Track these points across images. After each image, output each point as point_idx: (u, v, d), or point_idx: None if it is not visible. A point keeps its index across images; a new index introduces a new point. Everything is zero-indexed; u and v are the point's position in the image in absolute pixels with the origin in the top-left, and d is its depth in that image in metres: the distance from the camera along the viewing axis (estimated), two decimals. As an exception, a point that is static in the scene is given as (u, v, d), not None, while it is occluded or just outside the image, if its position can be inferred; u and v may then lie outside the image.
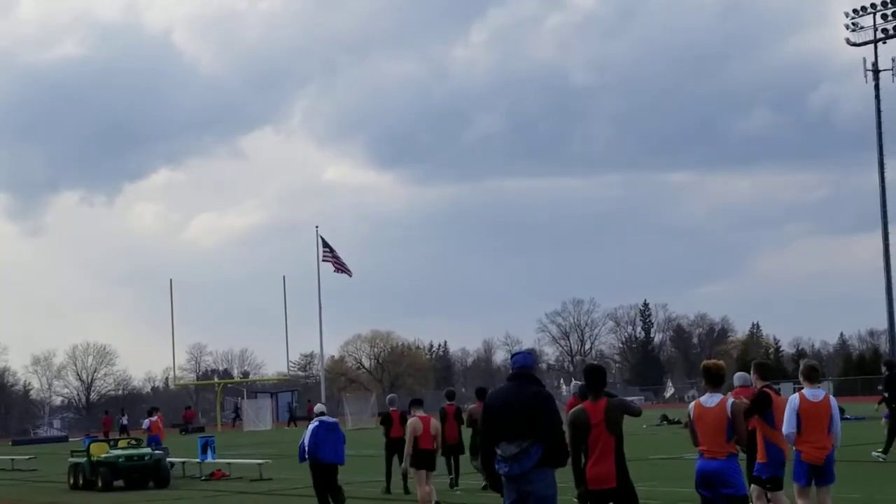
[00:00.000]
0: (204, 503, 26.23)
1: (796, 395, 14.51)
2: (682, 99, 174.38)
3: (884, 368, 29.77)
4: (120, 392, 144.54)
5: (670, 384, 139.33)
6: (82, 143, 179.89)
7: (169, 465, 33.44)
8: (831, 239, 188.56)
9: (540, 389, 11.71)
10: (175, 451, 37.98)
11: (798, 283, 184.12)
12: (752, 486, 15.12)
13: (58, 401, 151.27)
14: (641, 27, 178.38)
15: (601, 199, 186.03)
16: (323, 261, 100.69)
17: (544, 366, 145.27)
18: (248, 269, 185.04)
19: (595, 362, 16.88)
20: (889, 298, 77.78)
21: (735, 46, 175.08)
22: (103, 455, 32.22)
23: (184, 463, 35.92)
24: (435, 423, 21.25)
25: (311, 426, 22.13)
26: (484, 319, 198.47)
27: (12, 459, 47.27)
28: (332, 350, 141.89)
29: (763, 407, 14.88)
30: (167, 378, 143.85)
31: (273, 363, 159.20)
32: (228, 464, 34.65)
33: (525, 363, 11.90)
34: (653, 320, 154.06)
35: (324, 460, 21.76)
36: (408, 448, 20.93)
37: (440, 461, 26.54)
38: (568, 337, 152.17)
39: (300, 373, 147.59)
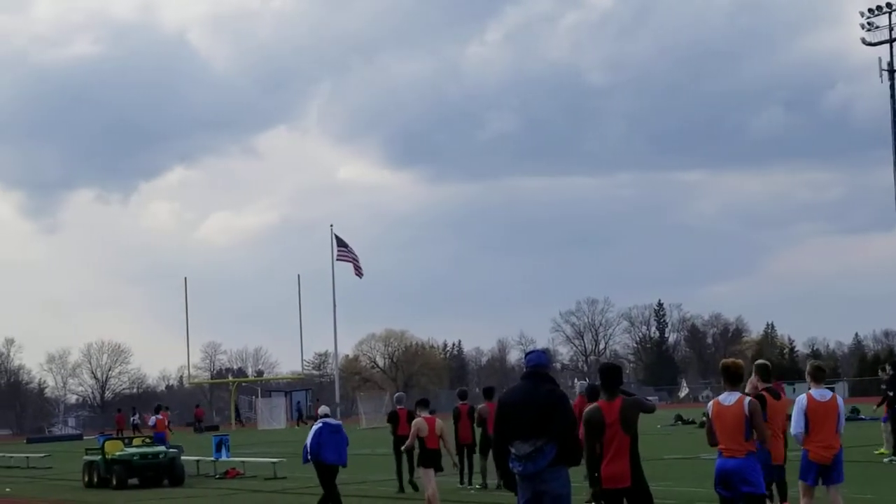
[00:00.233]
0: (218, 501, 26.27)
1: (804, 395, 14.55)
2: (695, 98, 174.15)
3: (889, 368, 29.52)
4: (134, 390, 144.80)
5: (685, 384, 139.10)
6: (97, 141, 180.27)
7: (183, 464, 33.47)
8: (846, 238, 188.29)
9: (554, 388, 11.71)
10: (189, 450, 38.04)
11: (813, 283, 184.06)
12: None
13: (72, 399, 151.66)
14: (655, 26, 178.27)
15: (615, 198, 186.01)
16: (337, 259, 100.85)
17: (558, 365, 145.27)
18: (262, 268, 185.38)
19: (610, 361, 16.91)
20: (904, 298, 77.57)
21: (748, 45, 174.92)
22: (118, 453, 32.27)
23: (198, 461, 35.97)
24: (440, 423, 21.28)
25: (314, 427, 22.26)
26: (498, 319, 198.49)
27: (27, 457, 47.38)
28: (347, 349, 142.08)
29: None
30: (182, 376, 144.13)
31: (287, 362, 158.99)
32: (243, 462, 34.69)
33: (539, 362, 11.90)
34: (667, 320, 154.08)
35: (326, 461, 21.84)
36: (408, 443, 21.04)
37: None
38: (582, 336, 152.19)
39: (314, 372, 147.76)
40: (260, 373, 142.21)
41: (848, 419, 48.80)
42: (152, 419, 45.72)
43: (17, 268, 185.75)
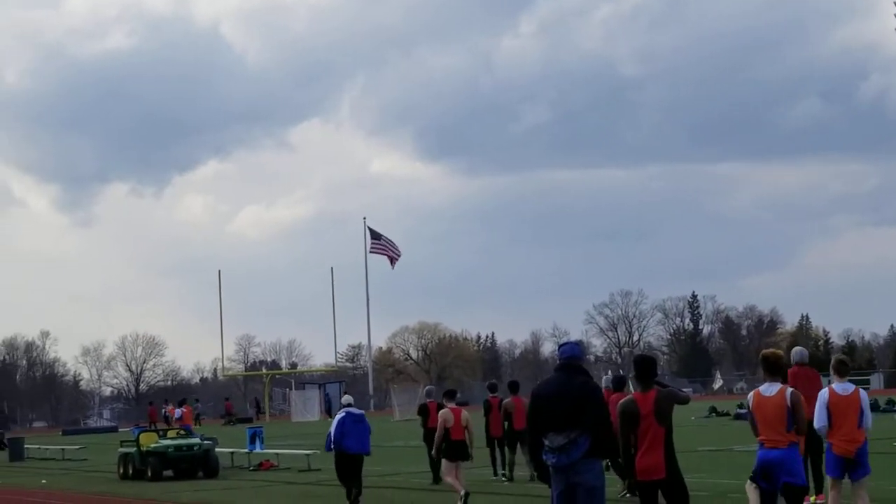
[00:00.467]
0: (253, 493, 26.32)
1: (825, 389, 14.50)
2: (729, 89, 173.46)
3: None
4: (169, 383, 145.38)
5: (719, 376, 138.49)
6: (131, 134, 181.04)
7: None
8: (881, 230, 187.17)
9: (587, 380, 11.69)
10: (224, 442, 38.14)
11: (848, 275, 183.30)
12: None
13: (107, 391, 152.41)
14: (689, 17, 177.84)
15: (648, 190, 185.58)
16: (371, 252, 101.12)
17: (592, 357, 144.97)
18: (295, 261, 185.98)
19: (645, 353, 16.90)
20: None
21: (783, 36, 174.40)
22: (153, 445, 32.37)
23: (232, 453, 36.06)
24: (465, 414, 21.31)
25: (337, 417, 22.65)
26: (531, 311, 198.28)
27: (63, 449, 47.64)
28: (380, 341, 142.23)
29: None
30: (216, 369, 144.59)
31: (321, 354, 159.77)
32: (276, 454, 34.75)
33: (572, 354, 11.86)
34: (701, 312, 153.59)
35: (349, 450, 22.20)
36: (438, 438, 21.05)
37: (485, 453, 26.69)
38: (616, 328, 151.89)
39: (348, 364, 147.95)
40: (294, 365, 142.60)
41: (883, 411, 48.56)
42: (177, 412, 46.02)
43: (52, 261, 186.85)
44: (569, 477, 11.34)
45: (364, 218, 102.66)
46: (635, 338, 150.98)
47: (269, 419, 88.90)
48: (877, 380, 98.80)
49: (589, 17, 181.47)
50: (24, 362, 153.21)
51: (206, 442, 33.02)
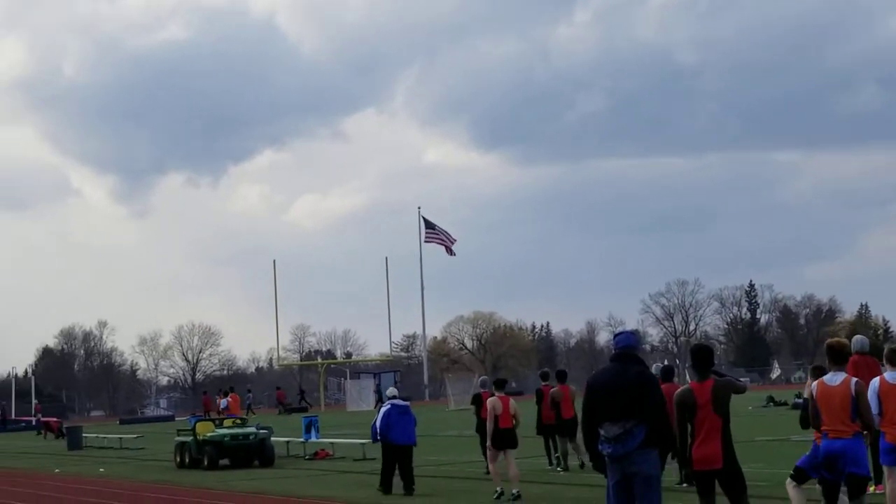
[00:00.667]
0: (308, 482, 26.36)
1: (877, 378, 14.33)
2: (787, 76, 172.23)
3: None
4: (225, 372, 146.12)
5: (777, 365, 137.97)
6: (188, 125, 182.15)
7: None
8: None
9: (643, 370, 11.62)
10: (279, 431, 38.25)
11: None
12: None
13: (164, 381, 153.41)
14: (745, 3, 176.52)
15: (705, 178, 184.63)
16: (425, 241, 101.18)
17: (648, 347, 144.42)
18: (350, 251, 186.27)
19: (702, 342, 16.73)
20: None
21: (843, 21, 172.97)
22: (209, 434, 32.49)
23: (288, 442, 36.15)
24: (514, 403, 21.35)
25: (382, 409, 23.29)
26: (587, 300, 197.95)
27: (120, 438, 47.97)
28: (435, 331, 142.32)
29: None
30: (271, 358, 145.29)
31: (376, 344, 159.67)
32: (332, 443, 34.80)
33: (628, 343, 11.79)
34: (758, 301, 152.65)
35: (395, 441, 22.77)
36: (489, 427, 21.08)
37: (534, 442, 26.70)
38: (672, 318, 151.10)
39: (402, 354, 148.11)
40: (348, 355, 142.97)
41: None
42: (223, 402, 46.19)
43: (109, 251, 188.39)
44: (625, 467, 11.29)
45: (419, 208, 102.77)
46: (692, 327, 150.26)
47: (324, 408, 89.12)
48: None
49: (644, 5, 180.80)
50: (82, 352, 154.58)
51: (261, 431, 33.09)
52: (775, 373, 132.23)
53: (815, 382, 12.70)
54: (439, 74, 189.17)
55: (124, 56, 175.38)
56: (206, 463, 31.89)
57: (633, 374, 11.44)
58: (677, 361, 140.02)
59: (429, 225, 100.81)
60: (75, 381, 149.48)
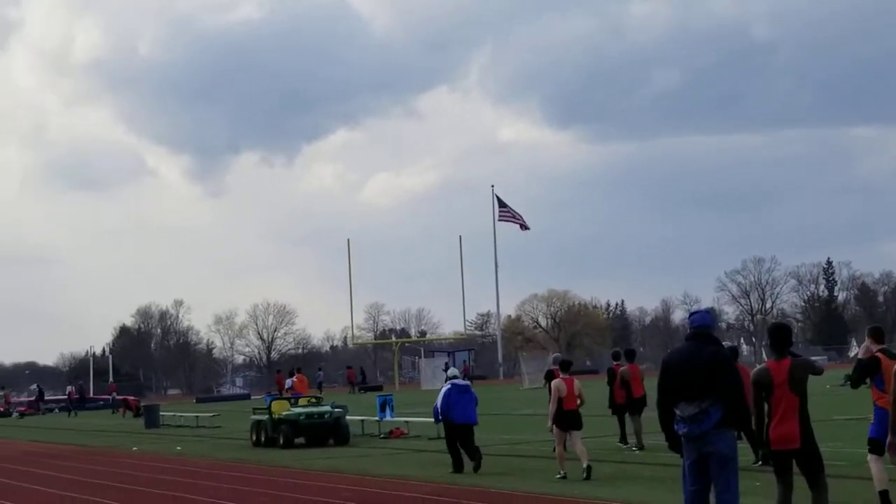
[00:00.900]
0: (383, 461, 26.41)
1: None
2: (866, 50, 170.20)
3: None
4: (300, 351, 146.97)
5: (854, 344, 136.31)
6: (261, 104, 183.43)
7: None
8: None
9: (719, 349, 11.51)
10: (354, 410, 38.36)
11: None
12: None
13: (239, 359, 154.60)
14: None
15: (782, 155, 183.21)
16: (499, 220, 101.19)
17: (724, 325, 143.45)
18: (424, 229, 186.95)
19: (780, 321, 16.56)
20: None
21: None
22: (284, 413, 32.64)
23: (363, 421, 36.24)
24: (578, 384, 21.30)
25: (443, 389, 23.48)
26: (662, 278, 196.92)
27: (197, 417, 48.37)
28: (509, 309, 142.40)
29: (872, 371, 14.51)
30: (345, 337, 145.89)
31: (450, 322, 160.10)
32: (406, 422, 34.85)
33: (703, 322, 11.67)
34: (836, 278, 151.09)
35: (456, 421, 22.95)
36: (551, 408, 21.03)
37: (611, 421, 26.62)
38: (748, 296, 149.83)
39: (477, 332, 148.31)
40: (423, 333, 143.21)
41: None
42: (288, 381, 46.33)
43: (184, 231, 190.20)
44: (700, 447, 11.19)
45: (492, 186, 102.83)
46: (768, 305, 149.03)
47: (399, 387, 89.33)
48: None
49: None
50: (159, 331, 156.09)
51: (336, 410, 33.17)
52: (853, 351, 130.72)
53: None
54: (512, 51, 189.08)
55: (198, 36, 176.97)
56: (281, 441, 32.04)
57: (708, 354, 11.33)
58: (753, 340, 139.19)
59: (502, 204, 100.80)
60: (152, 359, 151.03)
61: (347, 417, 33.67)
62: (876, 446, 14.09)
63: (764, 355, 64.05)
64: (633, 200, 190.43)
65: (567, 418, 20.88)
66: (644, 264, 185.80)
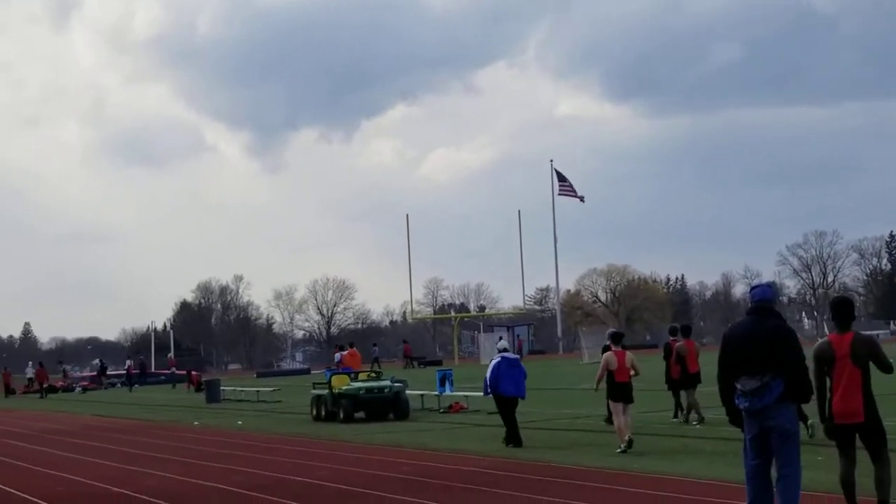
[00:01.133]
0: (443, 435, 26.45)
1: None
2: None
3: None
4: (359, 326, 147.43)
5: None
6: (320, 80, 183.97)
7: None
8: None
9: (781, 323, 11.40)
10: (413, 384, 38.43)
11: None
12: None
13: (299, 334, 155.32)
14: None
15: (844, 128, 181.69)
16: (559, 194, 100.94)
17: (785, 299, 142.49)
18: (482, 204, 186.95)
19: (843, 295, 16.45)
20: None
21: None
22: (344, 387, 32.74)
23: (422, 395, 36.30)
24: (630, 356, 21.39)
25: (493, 361, 23.84)
26: (722, 252, 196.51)
27: (257, 391, 48.63)
28: (568, 284, 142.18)
29: None
30: (405, 312, 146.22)
31: (509, 297, 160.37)
32: (466, 397, 34.89)
33: (764, 296, 11.57)
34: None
35: (505, 393, 23.22)
36: (597, 377, 21.23)
37: (669, 395, 26.60)
38: (810, 269, 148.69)
39: (536, 307, 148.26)
40: (482, 308, 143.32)
41: None
42: (337, 355, 46.42)
43: (243, 206, 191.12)
44: (762, 421, 11.11)
45: (551, 160, 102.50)
46: (830, 279, 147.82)
47: (458, 362, 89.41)
48: None
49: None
50: (219, 306, 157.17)
51: (396, 384, 33.26)
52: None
53: None
54: (571, 25, 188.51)
55: (257, 12, 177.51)
56: (341, 416, 32.16)
57: (769, 328, 11.23)
58: (815, 314, 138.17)
59: (561, 178, 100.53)
60: (212, 334, 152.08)
61: (407, 392, 33.74)
62: None
63: (826, 329, 63.57)
64: (693, 174, 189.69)
65: (619, 390, 21.07)
66: (704, 238, 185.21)
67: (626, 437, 20.45)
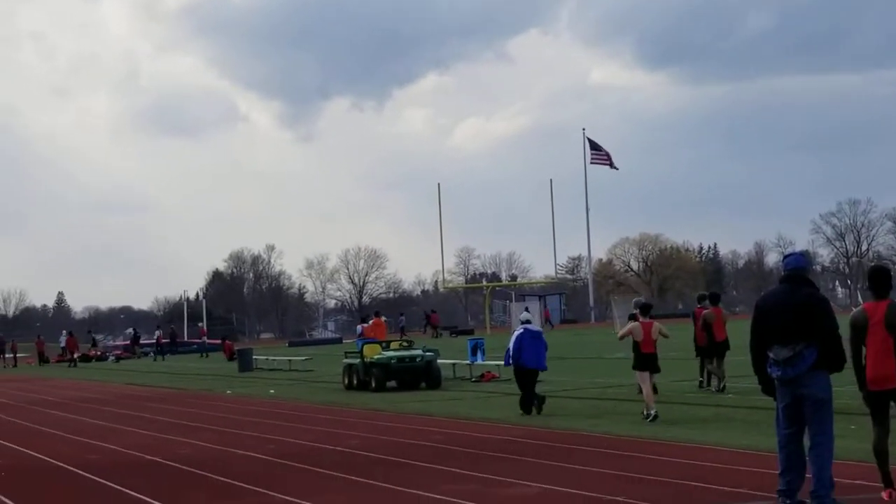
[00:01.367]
0: (475, 404, 26.47)
1: None
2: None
3: None
4: (391, 295, 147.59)
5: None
6: (352, 49, 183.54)
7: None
8: None
9: (814, 291, 11.34)
10: (445, 353, 38.47)
11: None
12: None
13: (331, 303, 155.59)
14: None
15: (879, 95, 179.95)
16: (591, 163, 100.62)
17: (818, 268, 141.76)
18: (514, 173, 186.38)
19: (879, 263, 16.38)
20: None
21: None
22: (376, 356, 32.78)
23: (454, 364, 36.33)
24: (657, 325, 21.41)
25: (516, 332, 23.86)
26: (755, 221, 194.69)
27: (289, 360, 48.83)
28: (600, 253, 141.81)
29: None
30: (436, 281, 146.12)
31: (541, 266, 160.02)
32: (497, 366, 34.89)
33: (798, 265, 11.50)
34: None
35: (527, 365, 23.41)
36: (622, 333, 21.87)
37: (680, 364, 26.63)
38: (843, 238, 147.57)
39: (568, 276, 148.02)
40: (513, 277, 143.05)
41: None
42: (359, 328, 46.47)
43: (275, 176, 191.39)
44: (794, 389, 11.08)
45: (583, 129, 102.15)
46: (863, 248, 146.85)
47: (490, 331, 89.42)
48: None
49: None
50: (251, 275, 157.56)
51: (427, 353, 33.27)
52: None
53: None
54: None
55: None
56: (373, 385, 32.22)
57: (802, 296, 11.18)
58: (849, 283, 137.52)
59: (594, 146, 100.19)
60: (244, 304, 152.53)
61: (439, 361, 33.77)
62: None
63: (860, 298, 63.30)
64: (726, 142, 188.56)
65: (645, 360, 21.15)
66: (737, 207, 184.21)
67: (653, 406, 20.47)
